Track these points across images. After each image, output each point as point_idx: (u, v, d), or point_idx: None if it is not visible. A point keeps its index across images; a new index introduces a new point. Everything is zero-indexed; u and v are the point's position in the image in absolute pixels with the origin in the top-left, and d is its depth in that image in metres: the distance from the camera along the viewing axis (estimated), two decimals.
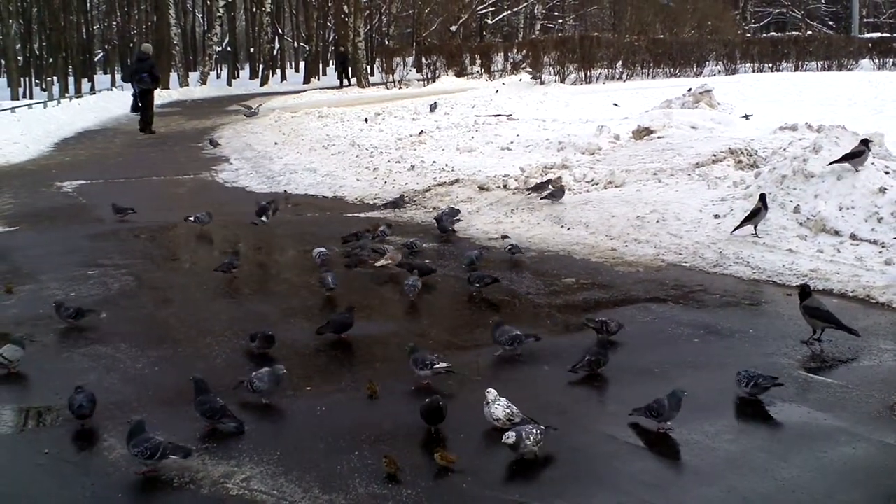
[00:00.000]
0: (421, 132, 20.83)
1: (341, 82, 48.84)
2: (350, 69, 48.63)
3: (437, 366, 6.41)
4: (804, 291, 7.29)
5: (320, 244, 10.36)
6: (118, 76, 68.61)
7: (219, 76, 68.67)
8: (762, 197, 10.07)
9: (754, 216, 10.01)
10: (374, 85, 45.45)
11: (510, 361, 6.92)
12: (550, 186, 12.57)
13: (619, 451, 5.39)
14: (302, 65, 72.89)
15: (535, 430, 5.21)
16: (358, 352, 7.27)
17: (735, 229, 10.16)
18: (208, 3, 68.36)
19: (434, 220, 11.72)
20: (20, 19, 59.50)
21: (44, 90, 55.88)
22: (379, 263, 9.66)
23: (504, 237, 10.82)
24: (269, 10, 60.34)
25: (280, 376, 6.18)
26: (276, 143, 21.85)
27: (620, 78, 37.46)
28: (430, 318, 8.19)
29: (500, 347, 6.98)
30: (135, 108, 26.34)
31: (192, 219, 11.99)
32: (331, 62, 62.69)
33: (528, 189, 12.97)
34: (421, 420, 5.60)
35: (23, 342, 6.99)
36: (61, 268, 10.16)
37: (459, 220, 11.73)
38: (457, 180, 14.67)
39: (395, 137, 20.70)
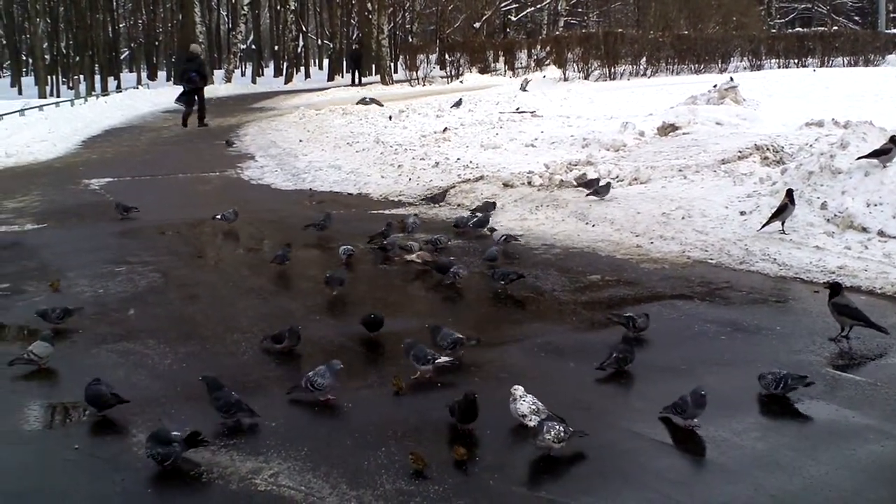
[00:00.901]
0: (445, 129, 20.83)
1: (353, 80, 48.40)
2: (373, 67, 48.71)
3: (439, 360, 6.43)
4: (834, 289, 7.23)
5: (345, 241, 10.41)
6: (144, 74, 69.25)
7: (243, 74, 69.13)
8: (789, 192, 10.01)
9: (781, 212, 9.95)
10: (397, 82, 45.47)
11: (535, 358, 6.92)
12: (599, 182, 12.54)
13: (645, 448, 5.38)
14: (326, 62, 73.12)
15: (558, 427, 5.19)
16: (383, 348, 7.29)
17: (763, 226, 10.11)
18: (233, 1, 68.69)
19: (471, 214, 11.92)
20: (47, 18, 60.10)
21: (70, 88, 56.30)
22: (409, 257, 9.71)
23: (492, 230, 10.79)
24: (293, 7, 60.63)
25: (337, 371, 6.16)
26: (300, 141, 21.93)
27: (645, 74, 37.33)
28: (455, 315, 8.19)
29: (443, 353, 6.72)
30: (179, 100, 28.25)
31: (219, 217, 12.09)
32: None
33: (576, 184, 12.89)
34: (449, 416, 5.59)
35: (52, 339, 7.06)
36: (89, 265, 10.26)
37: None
38: (481, 177, 14.67)
39: (419, 134, 20.70)
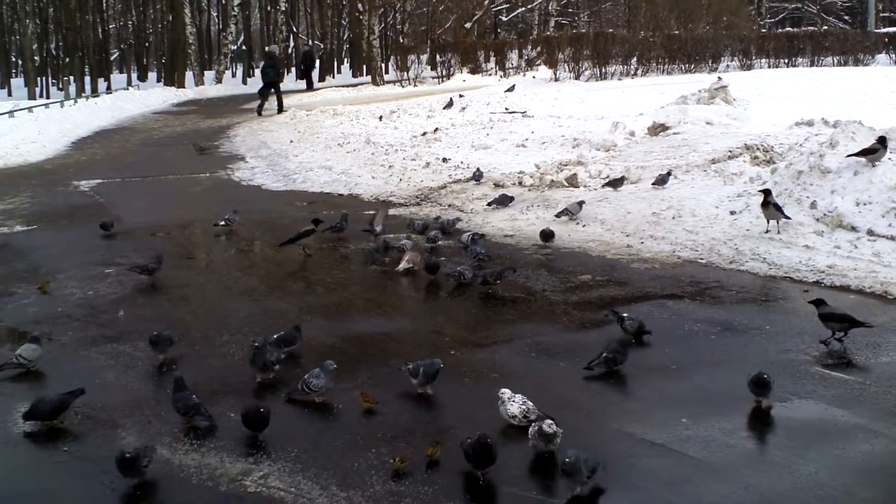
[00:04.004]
0: (436, 130, 20.81)
1: (308, 85, 43.82)
2: (364, 67, 48.35)
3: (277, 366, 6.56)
4: (818, 305, 7.14)
5: (333, 241, 10.40)
6: (134, 75, 69.14)
7: (234, 75, 68.87)
8: (765, 203, 9.98)
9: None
10: (388, 82, 45.39)
11: (525, 359, 6.92)
12: (625, 181, 12.67)
13: (635, 449, 5.38)
14: (317, 63, 72.93)
15: (559, 432, 5.22)
16: (374, 349, 7.27)
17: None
18: (223, 1, 68.63)
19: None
20: (37, 19, 59.82)
21: (60, 90, 56.10)
22: (400, 268, 9.56)
23: (464, 232, 10.83)
24: (283, 8, 60.39)
25: (332, 371, 6.15)
26: (291, 142, 21.88)
27: (635, 74, 37.32)
28: (445, 315, 8.20)
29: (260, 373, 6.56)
30: (260, 93, 31.67)
31: (222, 223, 11.99)
32: (340, 61, 61.20)
33: (603, 185, 12.88)
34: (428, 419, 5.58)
35: (40, 341, 7.03)
36: (79, 266, 10.22)
37: (459, 220, 11.94)
38: (472, 177, 14.65)
39: (410, 135, 20.66)
